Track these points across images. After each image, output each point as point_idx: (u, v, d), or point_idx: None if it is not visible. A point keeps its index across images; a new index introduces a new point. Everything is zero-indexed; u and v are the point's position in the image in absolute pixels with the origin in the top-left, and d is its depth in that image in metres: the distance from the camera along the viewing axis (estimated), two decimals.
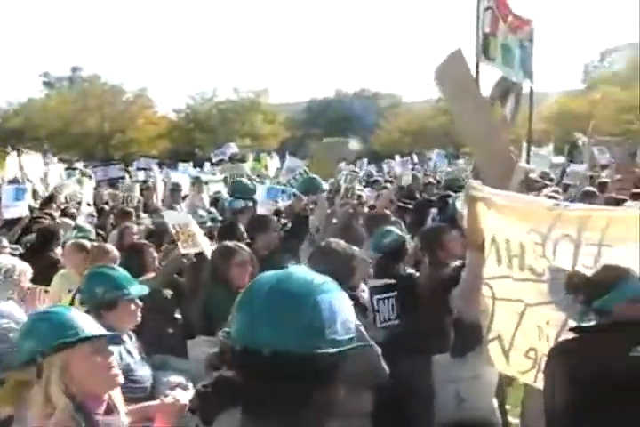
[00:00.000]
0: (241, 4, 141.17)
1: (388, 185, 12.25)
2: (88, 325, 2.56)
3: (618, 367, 2.77)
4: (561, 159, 21.71)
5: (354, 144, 52.18)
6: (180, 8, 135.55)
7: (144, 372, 3.59)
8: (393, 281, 4.71)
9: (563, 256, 3.35)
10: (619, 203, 7.64)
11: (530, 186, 8.19)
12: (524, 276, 3.57)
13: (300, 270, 1.71)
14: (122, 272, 3.83)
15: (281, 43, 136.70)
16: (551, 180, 12.84)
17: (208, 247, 5.41)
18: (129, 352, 3.58)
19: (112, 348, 2.68)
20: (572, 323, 3.27)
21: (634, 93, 48.85)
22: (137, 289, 3.73)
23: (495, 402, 4.14)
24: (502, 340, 3.81)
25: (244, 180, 9.85)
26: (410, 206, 9.22)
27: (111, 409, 2.58)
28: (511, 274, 3.66)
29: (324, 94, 71.06)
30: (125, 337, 3.41)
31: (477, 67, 7.64)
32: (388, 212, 8.28)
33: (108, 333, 2.67)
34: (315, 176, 9.19)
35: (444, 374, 3.99)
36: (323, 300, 1.59)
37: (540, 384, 3.46)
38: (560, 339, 3.35)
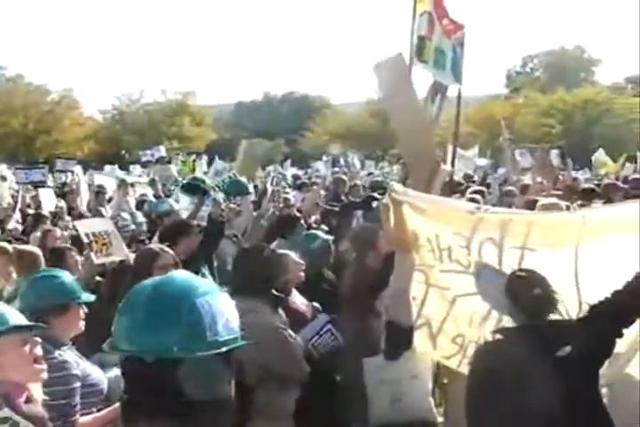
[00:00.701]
0: (169, 5, 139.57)
1: (315, 188, 12.30)
2: (17, 316, 2.58)
3: (535, 368, 2.86)
4: (484, 162, 22.31)
5: (281, 146, 52.38)
6: (107, 7, 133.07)
7: (98, 374, 3.48)
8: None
9: (488, 258, 3.46)
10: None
11: (453, 188, 8.34)
12: (453, 267, 3.72)
13: (181, 275, 1.69)
14: (71, 277, 3.69)
15: (209, 44, 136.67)
16: (474, 182, 13.12)
17: (125, 254, 5.34)
18: (80, 357, 3.46)
19: (67, 355, 2.80)
20: (496, 313, 3.47)
21: (554, 99, 50.70)
22: (86, 295, 3.61)
23: (432, 401, 4.18)
24: (431, 326, 3.94)
25: (241, 178, 9.50)
26: (335, 209, 9.27)
27: (30, 400, 2.61)
28: (442, 265, 3.79)
29: (252, 96, 71.08)
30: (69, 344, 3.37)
31: (410, 69, 7.75)
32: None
33: (37, 324, 2.70)
34: (242, 179, 9.12)
35: (377, 376, 4.01)
36: (201, 302, 1.57)
37: (463, 369, 3.70)
38: (487, 328, 3.52)
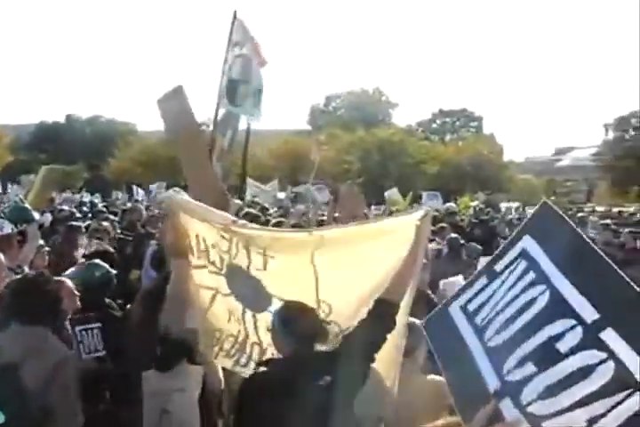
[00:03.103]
0: None
1: (111, 216, 12.14)
2: None
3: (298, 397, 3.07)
4: (284, 195, 23.01)
5: (82, 171, 50.50)
6: None
7: None
8: (91, 314, 4.76)
9: (239, 262, 3.72)
10: None
11: (253, 220, 8.59)
12: (213, 268, 3.90)
13: None
14: None
15: (11, 61, 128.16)
16: (269, 215, 13.48)
17: None
18: None
19: None
20: (250, 312, 3.74)
21: (354, 137, 53.27)
22: None
23: (198, 414, 4.20)
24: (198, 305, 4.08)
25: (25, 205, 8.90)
26: (129, 238, 9.22)
27: None
28: (206, 265, 3.95)
29: (54, 118, 67.97)
30: None
31: (217, 109, 7.93)
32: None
33: None
34: (25, 206, 8.76)
35: (150, 389, 4.06)
36: None
37: (219, 361, 4.01)
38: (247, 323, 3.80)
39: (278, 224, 9.39)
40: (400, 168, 47.73)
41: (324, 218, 12.00)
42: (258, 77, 8.65)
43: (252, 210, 10.36)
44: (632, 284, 1.79)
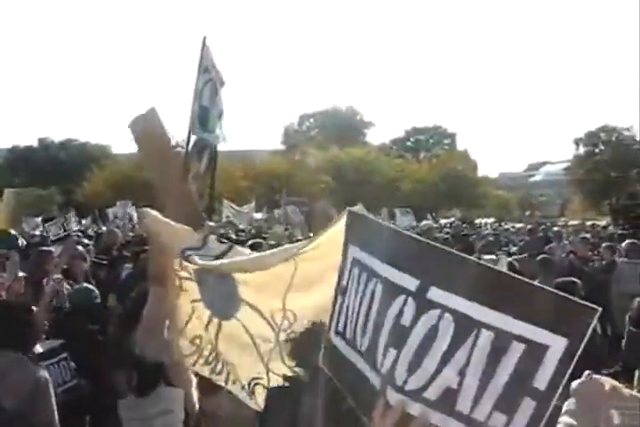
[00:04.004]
0: None
1: (86, 240, 12.06)
2: None
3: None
4: (260, 215, 23.06)
5: (55, 195, 50.19)
6: None
7: None
8: (58, 342, 4.70)
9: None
10: None
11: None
12: (185, 274, 3.86)
13: None
14: None
15: None
16: (243, 234, 13.51)
17: None
18: None
19: None
20: (216, 319, 3.67)
21: (328, 156, 53.57)
22: None
23: None
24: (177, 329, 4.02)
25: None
26: (104, 262, 9.17)
27: None
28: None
29: (27, 141, 67.72)
30: None
31: (189, 135, 7.94)
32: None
33: None
34: (12, 232, 8.71)
35: (128, 416, 4.03)
36: None
37: (197, 368, 3.88)
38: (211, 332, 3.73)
39: (255, 245, 9.41)
40: (375, 186, 48.00)
41: (299, 238, 12.08)
42: (220, 101, 8.72)
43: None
44: (438, 245, 1.96)
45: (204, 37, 8.26)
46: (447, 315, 1.86)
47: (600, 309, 1.57)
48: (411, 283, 1.99)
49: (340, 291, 2.50)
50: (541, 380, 1.64)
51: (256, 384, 3.57)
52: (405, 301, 2.00)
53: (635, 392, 2.10)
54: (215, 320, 3.72)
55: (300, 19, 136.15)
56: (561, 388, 1.63)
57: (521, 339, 1.69)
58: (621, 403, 2.07)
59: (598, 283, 9.90)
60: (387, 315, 2.08)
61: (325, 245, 3.21)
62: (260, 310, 3.50)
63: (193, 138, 8.10)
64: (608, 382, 2.01)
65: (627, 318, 7.65)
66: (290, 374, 3.32)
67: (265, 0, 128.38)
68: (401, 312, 2.02)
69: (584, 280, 7.05)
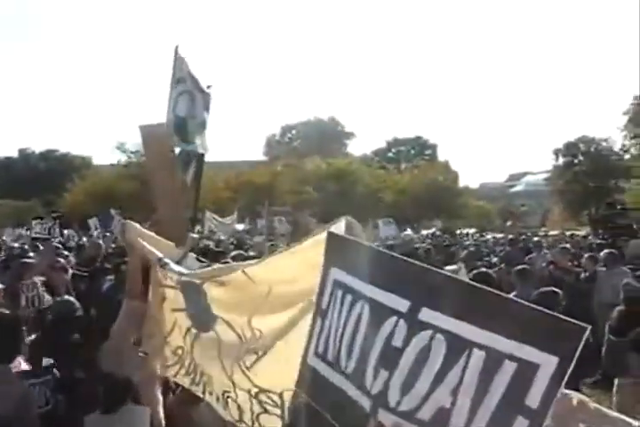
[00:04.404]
0: None
1: (66, 252, 11.97)
2: None
3: None
4: (242, 227, 23.05)
5: (37, 206, 49.77)
6: None
7: None
8: (49, 361, 4.65)
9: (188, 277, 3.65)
10: None
11: (214, 257, 8.65)
12: (169, 283, 3.81)
13: None
14: None
15: None
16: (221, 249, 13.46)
17: None
18: None
19: None
20: (194, 330, 3.63)
21: (311, 167, 53.69)
22: None
23: None
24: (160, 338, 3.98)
25: None
26: (85, 274, 9.12)
27: None
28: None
29: (6, 153, 67.22)
30: None
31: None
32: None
33: None
34: None
35: None
36: None
37: (179, 379, 3.83)
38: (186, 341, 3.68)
39: (236, 257, 9.39)
40: (357, 197, 48.10)
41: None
42: (201, 111, 8.72)
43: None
44: (426, 266, 2.00)
45: (176, 47, 8.28)
46: (439, 335, 1.89)
47: (589, 327, 1.60)
48: (402, 304, 2.01)
49: (320, 314, 2.51)
50: (533, 398, 1.66)
51: (228, 397, 3.57)
52: (397, 322, 2.01)
53: (600, 406, 2.13)
54: (193, 331, 3.69)
55: (283, 30, 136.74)
56: (553, 406, 1.65)
57: (512, 358, 1.72)
58: (588, 417, 2.11)
59: (580, 293, 10.02)
60: (377, 336, 2.08)
61: (297, 266, 3.22)
62: (233, 326, 3.46)
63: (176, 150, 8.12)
64: (576, 397, 2.05)
65: (606, 327, 7.75)
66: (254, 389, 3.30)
67: (248, 12, 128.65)
68: (392, 334, 2.03)
69: (564, 290, 7.11)
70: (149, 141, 5.77)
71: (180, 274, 3.63)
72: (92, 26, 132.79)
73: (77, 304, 5.83)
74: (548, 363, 1.65)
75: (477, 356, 1.79)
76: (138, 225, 4.02)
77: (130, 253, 4.05)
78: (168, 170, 5.72)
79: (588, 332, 1.59)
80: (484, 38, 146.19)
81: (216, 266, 3.98)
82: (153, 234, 3.98)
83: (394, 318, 2.03)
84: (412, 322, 1.97)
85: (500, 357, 1.75)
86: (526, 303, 1.75)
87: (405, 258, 2.10)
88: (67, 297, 5.90)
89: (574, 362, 1.61)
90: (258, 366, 3.39)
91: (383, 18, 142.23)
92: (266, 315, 3.38)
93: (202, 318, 3.66)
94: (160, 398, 4.08)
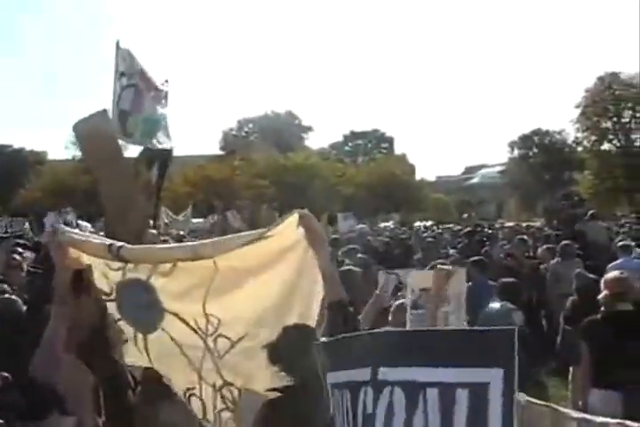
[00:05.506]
0: None
1: (20, 249, 11.75)
2: None
3: None
4: (200, 221, 22.91)
5: None
6: None
7: None
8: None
9: (140, 272, 3.53)
10: None
11: None
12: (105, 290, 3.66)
13: None
14: None
15: None
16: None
17: None
18: None
19: None
20: (140, 334, 3.54)
21: (268, 161, 53.54)
22: None
23: None
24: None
25: None
26: (40, 271, 8.96)
27: None
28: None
29: None
30: None
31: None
32: None
33: None
34: None
35: None
36: None
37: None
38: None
39: None
40: (316, 191, 48.14)
41: None
42: (150, 106, 8.62)
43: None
44: (382, 330, 2.19)
45: (118, 41, 8.21)
46: (396, 388, 1.94)
47: (515, 327, 1.66)
48: (365, 373, 2.05)
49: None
50: (495, 417, 1.70)
51: (191, 395, 3.53)
52: (366, 391, 2.06)
53: (568, 410, 2.20)
54: (139, 335, 3.59)
55: (237, 23, 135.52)
56: (516, 417, 1.69)
57: (462, 385, 1.77)
58: (558, 419, 2.17)
59: (536, 284, 10.22)
60: (356, 413, 2.12)
61: (258, 248, 3.19)
62: (184, 318, 3.45)
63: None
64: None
65: (561, 317, 7.93)
66: (269, 380, 3.27)
67: (202, 6, 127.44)
68: (365, 403, 2.07)
69: (521, 281, 7.26)
70: (89, 137, 5.58)
71: (137, 252, 3.47)
72: (49, 17, 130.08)
73: (19, 302, 5.60)
74: (495, 377, 1.69)
75: (432, 395, 1.83)
76: (70, 230, 3.83)
77: (57, 258, 3.83)
78: (115, 164, 5.56)
79: (516, 332, 1.63)
80: (437, 32, 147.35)
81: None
82: (90, 238, 3.81)
83: (363, 389, 2.07)
84: (374, 385, 2.02)
85: (452, 388, 1.79)
86: (455, 327, 1.80)
87: (369, 331, 2.23)
88: (7, 296, 5.67)
89: (517, 367, 1.65)
90: (229, 355, 3.38)
91: (337, 10, 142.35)
92: (220, 296, 3.35)
93: (142, 318, 3.55)
94: (91, 406, 3.83)
